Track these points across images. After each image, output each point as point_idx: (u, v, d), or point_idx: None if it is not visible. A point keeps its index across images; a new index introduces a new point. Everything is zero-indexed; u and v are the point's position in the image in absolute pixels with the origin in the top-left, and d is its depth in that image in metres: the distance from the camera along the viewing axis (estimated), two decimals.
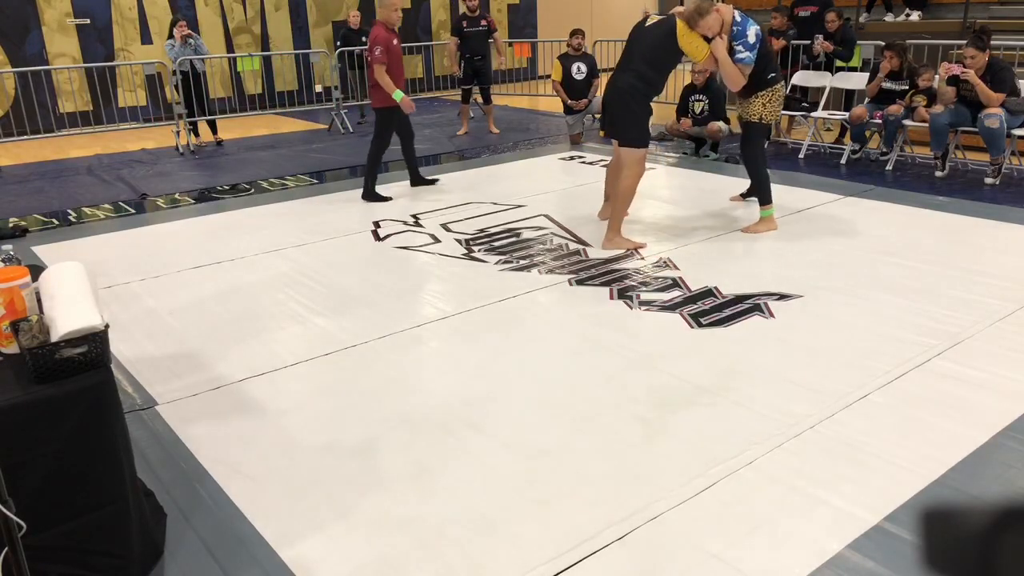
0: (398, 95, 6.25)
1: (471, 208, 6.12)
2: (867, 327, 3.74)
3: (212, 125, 9.35)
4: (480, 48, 9.09)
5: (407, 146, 6.74)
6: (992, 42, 6.38)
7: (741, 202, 5.96)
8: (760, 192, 5.36)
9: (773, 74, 5.17)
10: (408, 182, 6.90)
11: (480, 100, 9.60)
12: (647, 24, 5.04)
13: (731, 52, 4.92)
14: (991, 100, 6.18)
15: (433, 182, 6.91)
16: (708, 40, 4.88)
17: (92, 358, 2.03)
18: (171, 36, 8.95)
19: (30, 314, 2.12)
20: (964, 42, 6.60)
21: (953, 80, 6.45)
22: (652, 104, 5.11)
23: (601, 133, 6.71)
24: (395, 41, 6.32)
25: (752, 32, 4.90)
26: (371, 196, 6.47)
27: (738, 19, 4.92)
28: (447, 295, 4.37)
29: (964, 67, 6.29)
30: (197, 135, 9.22)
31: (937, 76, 6.74)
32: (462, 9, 9.63)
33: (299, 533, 2.42)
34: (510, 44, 13.37)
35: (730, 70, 4.95)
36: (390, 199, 6.48)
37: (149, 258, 5.14)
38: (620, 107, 5.02)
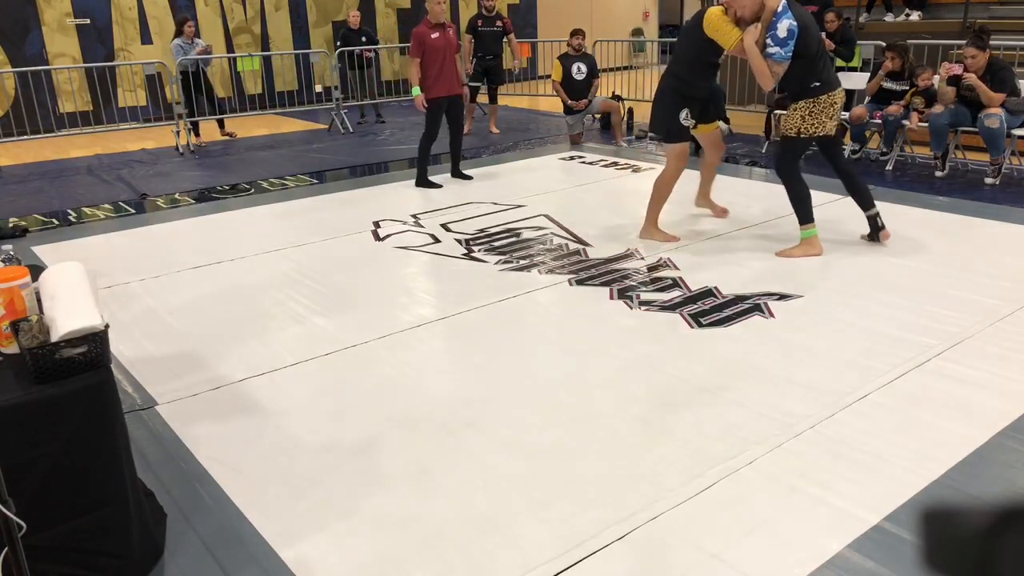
0: (415, 91, 6.62)
1: (471, 208, 6.12)
2: (867, 327, 3.74)
3: (219, 122, 9.46)
4: (494, 48, 9.14)
5: (452, 138, 7.02)
6: (992, 42, 6.39)
7: (865, 240, 5.05)
8: (797, 210, 4.85)
9: (817, 83, 4.57)
10: (414, 181, 6.99)
11: (486, 100, 9.62)
12: (686, 21, 5.03)
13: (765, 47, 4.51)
14: (992, 101, 6.18)
15: (468, 178, 7.13)
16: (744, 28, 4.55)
17: (92, 358, 2.03)
18: (179, 34, 9.03)
19: (30, 314, 2.12)
20: (964, 42, 6.60)
21: (953, 80, 6.45)
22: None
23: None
24: (435, 35, 6.54)
25: (783, 26, 4.38)
26: (423, 183, 6.86)
27: (779, 10, 4.41)
28: (447, 295, 4.37)
29: (965, 67, 6.29)
30: (198, 135, 9.23)
31: (937, 76, 6.74)
32: (472, 9, 9.64)
33: (299, 533, 2.42)
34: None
35: (757, 64, 4.50)
36: (440, 186, 6.84)
37: (149, 258, 5.14)
38: (654, 104, 5.13)
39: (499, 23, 9.15)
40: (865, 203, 4.94)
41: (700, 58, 4.84)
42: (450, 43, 6.64)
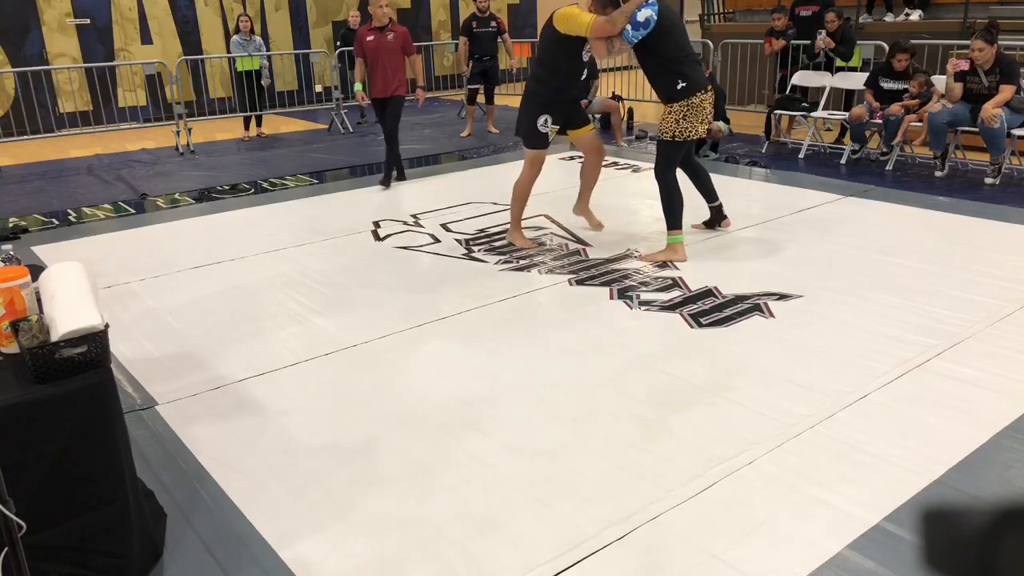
0: (357, 86, 6.91)
1: (471, 208, 6.12)
2: (867, 327, 3.74)
3: (258, 119, 9.83)
4: (490, 48, 9.16)
5: (386, 142, 6.96)
6: None
7: (702, 228, 5.33)
8: (667, 215, 4.77)
9: (684, 83, 4.51)
10: (407, 180, 7.12)
11: (484, 100, 9.63)
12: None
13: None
14: (1005, 94, 6.19)
15: (402, 179, 7.14)
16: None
17: (92, 358, 2.03)
18: (237, 31, 9.35)
19: (30, 314, 2.12)
20: (964, 42, 6.60)
21: (961, 76, 6.45)
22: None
23: None
24: (369, 37, 6.66)
25: (644, 13, 4.40)
26: (385, 181, 7.03)
27: (649, 1, 4.45)
28: (447, 295, 4.37)
29: (971, 61, 6.30)
30: (260, 124, 9.80)
31: (942, 77, 6.74)
32: (471, 9, 9.66)
33: (299, 533, 2.42)
34: None
35: (601, 31, 4.47)
36: (387, 188, 6.91)
37: (149, 258, 5.14)
38: (519, 108, 5.07)
39: (494, 23, 9.19)
40: (709, 197, 5.20)
41: (557, 59, 4.78)
42: (382, 46, 6.60)
